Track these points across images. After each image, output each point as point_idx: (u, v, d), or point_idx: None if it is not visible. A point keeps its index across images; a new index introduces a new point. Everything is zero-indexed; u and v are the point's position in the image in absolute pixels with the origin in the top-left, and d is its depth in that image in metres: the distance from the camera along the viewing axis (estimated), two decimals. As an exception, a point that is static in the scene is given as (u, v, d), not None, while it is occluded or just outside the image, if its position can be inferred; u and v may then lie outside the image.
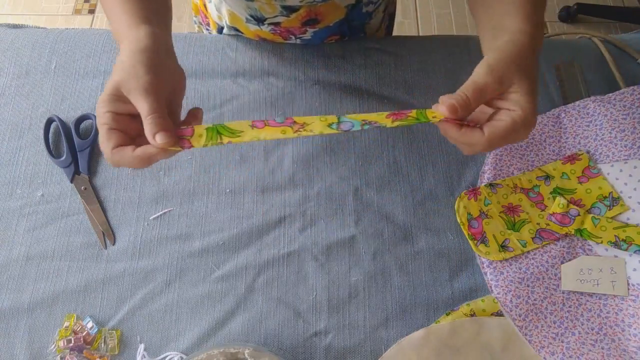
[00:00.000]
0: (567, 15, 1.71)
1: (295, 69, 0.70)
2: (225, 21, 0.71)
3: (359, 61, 0.71)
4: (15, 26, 0.74)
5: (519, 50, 0.42)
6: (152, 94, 0.39)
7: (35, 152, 0.64)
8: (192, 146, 0.41)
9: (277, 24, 0.65)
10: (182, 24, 1.71)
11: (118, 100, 0.40)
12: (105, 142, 0.40)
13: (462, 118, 0.42)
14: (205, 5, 0.77)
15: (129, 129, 0.41)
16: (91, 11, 1.75)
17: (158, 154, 0.40)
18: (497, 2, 0.48)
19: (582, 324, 0.55)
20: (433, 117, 0.42)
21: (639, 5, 1.75)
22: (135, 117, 0.41)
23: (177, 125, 0.43)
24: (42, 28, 0.74)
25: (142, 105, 0.39)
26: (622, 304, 0.56)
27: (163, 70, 0.42)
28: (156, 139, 0.39)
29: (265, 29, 0.67)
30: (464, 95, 0.40)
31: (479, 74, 0.41)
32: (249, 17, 0.66)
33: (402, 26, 1.73)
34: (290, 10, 0.62)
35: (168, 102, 0.42)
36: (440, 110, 0.41)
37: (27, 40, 0.71)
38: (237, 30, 0.71)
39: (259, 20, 0.65)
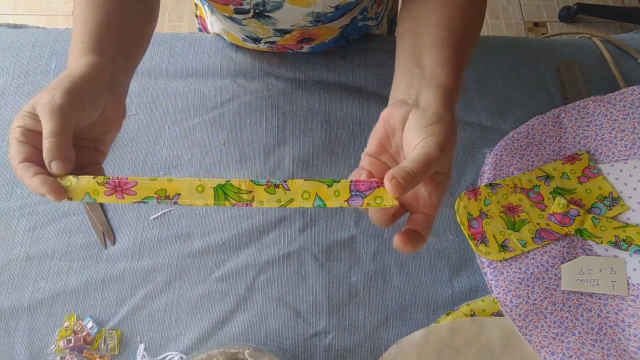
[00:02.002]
0: (567, 15, 1.71)
1: (295, 69, 0.70)
2: (224, 37, 0.71)
3: (359, 61, 0.71)
4: (15, 26, 0.74)
5: (452, 126, 0.38)
6: (59, 117, 0.37)
7: (35, 152, 0.64)
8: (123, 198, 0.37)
9: (273, 42, 0.66)
10: (182, 24, 1.71)
11: (31, 118, 0.38)
12: (12, 155, 0.38)
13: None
14: (204, 17, 0.77)
15: (38, 150, 0.38)
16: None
17: (50, 190, 0.36)
18: (428, 35, 0.44)
19: (582, 324, 0.55)
20: (251, 199, 0.36)
21: (639, 5, 1.75)
22: None
23: (95, 165, 0.42)
24: (42, 28, 0.74)
25: (45, 126, 0.37)
26: (622, 304, 0.56)
27: (89, 100, 0.40)
28: (52, 167, 0.36)
29: (263, 46, 0.67)
30: (412, 172, 0.35)
31: (434, 153, 0.35)
32: (245, 37, 0.66)
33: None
34: (283, 32, 0.62)
35: (88, 135, 0.41)
36: (391, 191, 0.35)
37: (27, 40, 0.71)
38: (236, 45, 0.72)
39: (255, 40, 0.66)
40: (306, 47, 0.68)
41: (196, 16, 0.83)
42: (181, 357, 0.55)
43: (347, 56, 0.71)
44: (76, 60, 0.41)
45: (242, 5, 0.56)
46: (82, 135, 0.40)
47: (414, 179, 0.35)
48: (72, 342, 0.54)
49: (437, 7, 0.46)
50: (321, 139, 0.66)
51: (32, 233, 0.60)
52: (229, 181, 0.36)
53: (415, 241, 0.38)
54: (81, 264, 0.59)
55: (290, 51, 0.70)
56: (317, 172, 0.64)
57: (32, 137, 0.38)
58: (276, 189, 0.37)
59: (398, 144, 0.39)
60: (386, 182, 0.35)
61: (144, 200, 0.36)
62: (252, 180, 0.36)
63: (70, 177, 0.37)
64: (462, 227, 0.60)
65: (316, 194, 0.37)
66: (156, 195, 0.36)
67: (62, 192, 0.37)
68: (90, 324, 0.55)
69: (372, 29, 0.73)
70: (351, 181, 0.37)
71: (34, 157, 0.38)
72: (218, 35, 0.75)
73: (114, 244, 0.60)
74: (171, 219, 0.62)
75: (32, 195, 0.62)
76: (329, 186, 0.37)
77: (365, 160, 0.41)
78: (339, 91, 0.69)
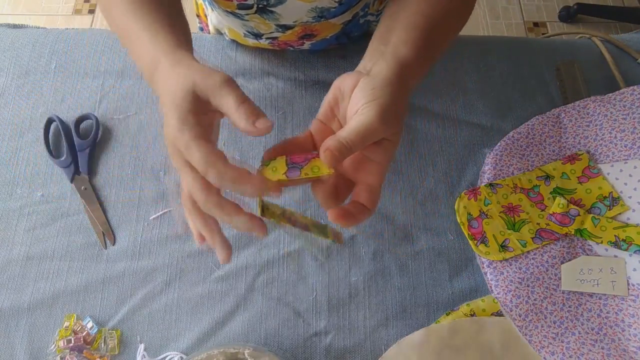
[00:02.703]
0: (567, 15, 1.72)
1: (295, 69, 0.70)
2: (225, 33, 0.71)
3: (359, 61, 0.70)
4: (15, 26, 0.74)
5: (401, 94, 0.39)
6: (235, 85, 0.36)
7: (35, 152, 0.64)
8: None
9: (274, 38, 0.65)
10: (182, 24, 1.71)
11: (199, 106, 0.36)
12: (209, 157, 0.34)
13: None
14: (205, 15, 0.77)
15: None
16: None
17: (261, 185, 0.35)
18: (402, 17, 0.45)
19: (582, 324, 0.55)
20: (318, 171, 0.37)
21: (639, 5, 1.75)
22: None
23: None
24: (42, 28, 0.74)
25: (232, 97, 0.35)
26: (622, 304, 0.56)
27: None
28: (257, 125, 0.35)
29: (264, 42, 0.67)
30: (347, 143, 0.35)
31: (372, 122, 0.36)
32: (247, 33, 0.66)
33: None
34: (285, 28, 0.62)
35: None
36: (322, 158, 0.36)
37: (27, 40, 0.71)
38: (236, 42, 0.72)
39: (257, 36, 0.66)
40: (307, 44, 0.68)
41: (197, 15, 0.83)
42: (181, 357, 0.55)
43: (347, 56, 0.71)
44: (164, 55, 0.40)
45: (245, 0, 0.56)
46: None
47: (349, 149, 0.35)
48: (72, 342, 0.54)
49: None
50: (321, 139, 0.66)
51: (32, 233, 0.60)
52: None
53: (354, 215, 0.38)
54: (81, 264, 0.59)
55: (291, 48, 0.70)
56: (317, 172, 0.64)
57: (208, 135, 0.36)
58: None
59: (345, 110, 0.40)
60: (321, 153, 0.35)
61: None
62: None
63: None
64: (462, 227, 0.60)
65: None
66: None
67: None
68: (90, 324, 0.55)
69: (373, 25, 0.73)
70: (287, 157, 0.38)
71: (222, 156, 0.35)
72: (218, 31, 0.75)
73: (114, 244, 0.60)
74: (171, 219, 0.61)
75: (32, 195, 0.62)
76: (266, 165, 0.38)
77: (314, 125, 0.42)
78: (339, 91, 0.69)
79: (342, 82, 0.40)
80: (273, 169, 0.37)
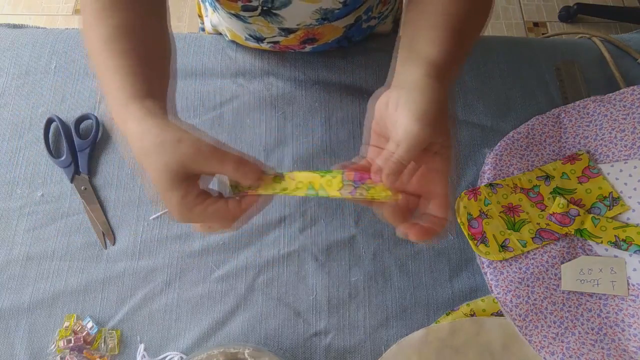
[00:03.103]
0: (567, 15, 1.72)
1: (295, 69, 0.70)
2: (225, 35, 0.71)
3: (359, 61, 0.71)
4: (15, 26, 0.74)
5: (439, 101, 0.37)
6: (224, 148, 0.36)
7: (35, 152, 0.64)
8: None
9: (276, 42, 0.65)
10: (182, 24, 1.71)
11: (194, 182, 0.37)
12: (235, 211, 0.37)
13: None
14: (205, 15, 0.77)
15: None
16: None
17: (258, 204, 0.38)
18: (428, 19, 0.43)
19: (582, 324, 0.55)
20: (377, 193, 0.37)
21: (639, 5, 1.75)
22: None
23: None
24: (42, 28, 0.74)
25: (230, 162, 0.36)
26: (622, 304, 0.56)
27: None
28: (263, 170, 0.37)
29: (265, 46, 0.67)
30: (396, 159, 0.35)
31: (408, 125, 0.35)
32: (248, 36, 0.66)
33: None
34: (288, 31, 0.62)
35: None
36: (386, 181, 0.36)
37: (27, 40, 0.71)
38: (237, 43, 0.72)
39: (258, 39, 0.66)
40: (309, 48, 0.68)
41: (199, 16, 0.83)
42: (181, 357, 0.55)
43: (347, 56, 0.71)
44: (134, 105, 0.38)
45: (250, 2, 0.55)
46: None
47: (399, 164, 0.35)
48: (72, 342, 0.54)
49: None
50: (321, 139, 0.66)
51: (32, 233, 0.60)
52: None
53: (432, 229, 0.37)
54: (81, 264, 0.59)
55: (292, 51, 0.70)
56: (317, 172, 0.64)
57: (211, 196, 0.38)
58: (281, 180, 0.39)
59: (387, 128, 0.39)
60: (381, 177, 0.35)
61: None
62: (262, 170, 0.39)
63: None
64: (462, 227, 0.60)
65: (310, 183, 0.38)
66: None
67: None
68: (90, 324, 0.55)
69: (376, 28, 0.73)
70: (343, 172, 0.38)
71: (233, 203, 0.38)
72: (216, 31, 0.75)
73: (113, 244, 0.60)
74: (171, 219, 0.62)
75: (32, 195, 0.62)
76: (322, 176, 0.38)
77: (366, 151, 0.41)
78: (339, 91, 0.69)
79: (376, 101, 0.39)
80: (328, 183, 0.38)
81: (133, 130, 0.37)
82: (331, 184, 0.38)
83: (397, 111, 0.36)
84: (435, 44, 0.41)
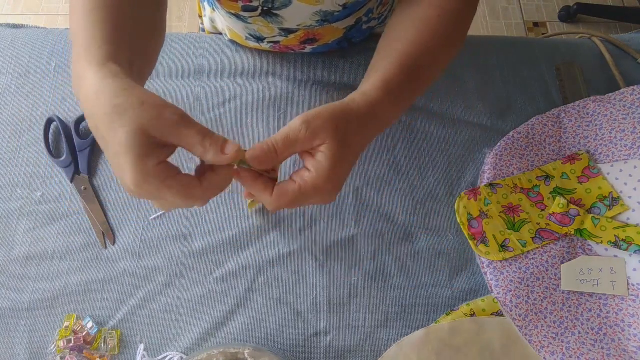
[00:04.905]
0: (567, 15, 1.72)
1: (295, 69, 0.70)
2: (225, 34, 0.71)
3: (359, 61, 0.71)
4: (15, 26, 0.74)
5: (346, 113, 0.40)
6: (192, 120, 0.34)
7: (35, 152, 0.64)
8: None
9: (276, 42, 0.65)
10: (182, 24, 1.71)
11: (156, 148, 0.33)
12: (187, 191, 0.35)
13: (268, 168, 0.39)
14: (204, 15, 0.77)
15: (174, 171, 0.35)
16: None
17: (225, 178, 0.36)
18: (382, 48, 0.46)
19: (582, 324, 0.55)
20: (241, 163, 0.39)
21: (639, 5, 1.75)
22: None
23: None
24: (42, 28, 0.74)
25: (192, 135, 0.34)
26: (622, 304, 0.56)
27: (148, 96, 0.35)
28: (228, 150, 0.35)
29: (265, 46, 0.67)
30: (271, 145, 0.37)
31: (295, 125, 0.38)
32: (248, 36, 0.66)
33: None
34: (288, 32, 0.62)
35: None
36: (247, 156, 0.37)
37: (27, 40, 0.71)
38: (236, 43, 0.72)
39: (259, 39, 0.66)
40: (309, 48, 0.68)
41: (199, 16, 0.83)
42: (181, 357, 0.55)
43: (347, 56, 0.71)
44: (95, 65, 0.35)
45: (251, 2, 0.55)
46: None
47: (267, 145, 0.37)
48: (72, 342, 0.54)
49: (404, 20, 0.47)
50: (321, 139, 0.66)
51: (32, 233, 0.60)
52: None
53: (265, 185, 0.39)
54: (81, 264, 0.59)
55: (292, 52, 0.70)
56: (317, 172, 0.64)
57: (171, 167, 0.35)
58: None
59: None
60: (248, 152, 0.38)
61: None
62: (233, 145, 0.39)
63: None
64: (462, 227, 0.60)
65: None
66: None
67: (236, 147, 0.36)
68: (90, 324, 0.55)
69: (376, 29, 0.73)
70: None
71: (193, 179, 0.36)
72: (216, 31, 0.75)
73: (113, 244, 0.60)
74: (171, 219, 0.61)
75: (32, 195, 0.62)
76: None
77: None
78: (339, 91, 0.69)
79: None
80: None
81: (88, 89, 0.34)
82: None
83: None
84: (376, 77, 0.43)
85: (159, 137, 0.33)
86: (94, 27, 0.38)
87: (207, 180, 0.36)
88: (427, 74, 0.47)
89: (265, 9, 0.57)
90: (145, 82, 0.44)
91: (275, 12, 0.57)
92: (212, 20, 0.74)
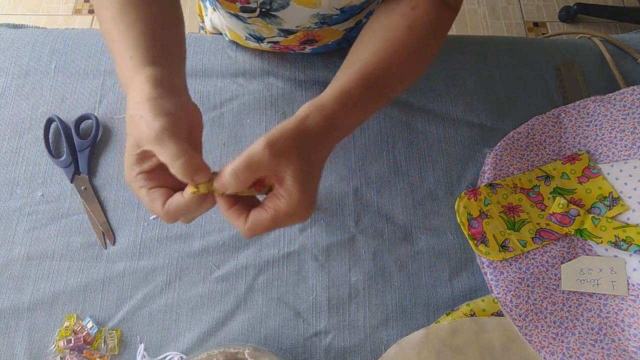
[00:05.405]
0: (567, 15, 1.72)
1: (295, 69, 0.70)
2: (225, 34, 0.71)
3: (359, 61, 0.71)
4: (15, 26, 0.74)
5: (305, 131, 0.39)
6: (170, 138, 0.35)
7: (35, 152, 0.64)
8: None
9: (276, 42, 0.66)
10: (182, 24, 1.71)
11: (144, 158, 0.37)
12: (151, 203, 0.37)
13: (235, 193, 0.38)
14: (204, 15, 0.77)
15: (169, 183, 0.37)
16: (91, 11, 1.75)
17: (202, 204, 0.37)
18: (349, 56, 0.45)
19: (582, 324, 0.55)
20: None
21: (639, 5, 1.75)
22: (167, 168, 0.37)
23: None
24: (42, 28, 0.74)
25: (164, 153, 0.35)
26: (622, 304, 0.56)
27: (174, 111, 0.37)
28: (196, 180, 0.35)
29: (265, 46, 0.67)
30: (233, 172, 0.37)
31: (256, 148, 0.37)
32: (248, 36, 0.66)
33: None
34: (287, 32, 0.62)
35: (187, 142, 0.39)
36: (215, 184, 0.37)
37: (27, 40, 0.71)
38: (236, 43, 0.72)
39: (259, 39, 0.66)
40: (308, 49, 0.68)
41: (199, 15, 0.83)
42: (181, 357, 0.55)
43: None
44: (134, 76, 0.39)
45: (249, 3, 0.56)
46: None
47: (231, 170, 0.36)
48: (72, 342, 0.54)
49: (374, 30, 0.47)
50: (321, 139, 0.66)
51: (32, 233, 0.60)
52: None
53: (239, 212, 0.39)
54: (81, 264, 0.59)
55: (292, 52, 0.70)
56: (317, 172, 0.64)
57: (157, 177, 0.37)
58: None
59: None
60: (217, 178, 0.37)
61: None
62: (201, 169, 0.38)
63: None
64: (462, 227, 0.60)
65: None
66: None
67: (207, 168, 0.36)
68: (90, 324, 0.55)
69: None
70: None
71: (169, 194, 0.37)
72: (216, 30, 0.75)
73: (113, 244, 0.60)
74: (171, 219, 0.62)
75: (32, 195, 0.62)
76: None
77: None
78: (339, 91, 0.69)
79: None
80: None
81: (129, 98, 0.39)
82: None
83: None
84: (334, 88, 0.43)
85: (149, 150, 0.36)
86: (125, 34, 0.41)
87: (171, 202, 0.37)
88: (392, 84, 0.46)
89: (263, 10, 0.57)
90: (184, 67, 0.46)
91: (273, 13, 0.57)
92: (212, 21, 0.74)
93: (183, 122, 0.38)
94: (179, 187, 0.38)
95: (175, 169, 0.35)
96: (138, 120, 0.36)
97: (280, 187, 0.38)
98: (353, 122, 0.44)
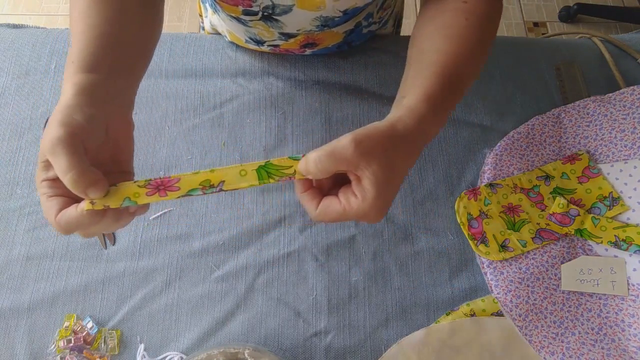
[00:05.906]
0: (567, 15, 1.72)
1: (295, 69, 0.70)
2: (225, 37, 0.71)
3: (359, 61, 0.71)
4: (15, 26, 0.74)
5: (394, 136, 0.38)
6: (63, 151, 0.34)
7: (35, 152, 0.64)
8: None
9: (276, 45, 0.66)
10: (182, 24, 1.71)
11: (48, 166, 0.36)
12: (47, 212, 0.36)
13: (314, 178, 0.38)
14: (204, 16, 0.77)
15: (72, 193, 0.36)
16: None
17: (90, 187, 0.35)
18: (416, 60, 0.45)
19: (582, 324, 0.55)
20: (293, 172, 0.38)
21: (639, 5, 1.75)
22: None
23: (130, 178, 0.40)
24: (42, 28, 0.74)
25: (56, 165, 0.34)
26: (622, 304, 0.56)
27: (82, 123, 0.36)
28: (89, 195, 0.35)
29: (265, 49, 0.68)
30: (317, 157, 0.36)
31: (342, 141, 0.36)
32: (248, 39, 0.66)
33: (403, 26, 1.73)
34: (288, 36, 0.62)
35: (102, 158, 0.38)
36: (299, 167, 0.37)
37: (27, 40, 0.71)
38: (236, 45, 0.72)
39: (259, 42, 0.66)
40: (308, 52, 0.68)
41: (199, 15, 0.83)
42: (181, 357, 0.55)
43: (347, 56, 0.71)
44: (66, 82, 0.39)
45: (251, 7, 0.55)
46: (97, 159, 0.37)
47: (315, 159, 0.36)
48: (72, 342, 0.54)
49: (434, 30, 0.46)
50: (321, 139, 0.66)
51: (32, 233, 0.60)
52: (269, 161, 0.38)
53: (313, 196, 0.38)
54: (81, 264, 0.59)
55: (292, 54, 0.70)
56: (317, 172, 0.64)
57: (60, 186, 0.36)
58: None
59: None
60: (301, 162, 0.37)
61: (189, 193, 0.37)
62: (289, 157, 0.38)
63: (108, 187, 0.36)
64: (462, 227, 0.60)
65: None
66: (201, 187, 0.37)
67: (103, 183, 0.35)
68: (90, 324, 0.55)
69: (377, 31, 0.73)
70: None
71: (67, 204, 0.36)
72: (216, 32, 0.75)
73: (114, 244, 0.60)
74: (171, 219, 0.62)
75: (32, 195, 0.62)
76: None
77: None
78: (339, 91, 0.69)
79: None
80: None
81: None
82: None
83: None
84: (416, 88, 0.42)
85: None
86: (81, 32, 0.41)
87: (63, 213, 0.36)
88: (465, 82, 0.45)
89: (265, 14, 0.57)
90: (139, 74, 0.46)
91: (275, 17, 0.57)
92: (212, 22, 0.74)
93: (88, 135, 0.37)
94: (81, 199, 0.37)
95: (66, 182, 0.34)
96: (48, 127, 0.36)
97: (357, 186, 0.37)
98: (437, 127, 0.43)
